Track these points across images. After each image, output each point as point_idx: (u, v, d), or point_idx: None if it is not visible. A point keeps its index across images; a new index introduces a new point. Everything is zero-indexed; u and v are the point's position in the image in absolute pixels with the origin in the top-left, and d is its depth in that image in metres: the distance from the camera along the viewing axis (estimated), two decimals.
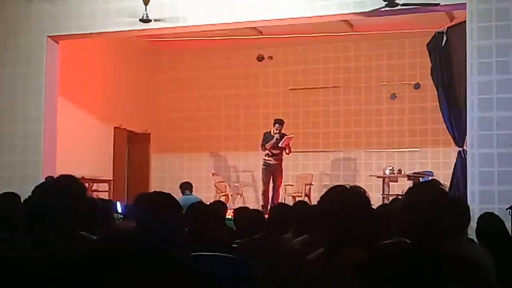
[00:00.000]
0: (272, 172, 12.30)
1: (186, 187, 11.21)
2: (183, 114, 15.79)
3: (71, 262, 2.62)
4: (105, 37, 12.44)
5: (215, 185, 14.18)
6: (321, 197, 2.65)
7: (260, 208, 11.32)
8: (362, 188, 2.65)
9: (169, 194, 2.73)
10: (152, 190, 3.59)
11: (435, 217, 2.44)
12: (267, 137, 12.30)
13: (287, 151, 12.37)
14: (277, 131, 12.21)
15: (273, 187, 12.33)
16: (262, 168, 12.51)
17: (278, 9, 10.66)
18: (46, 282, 2.61)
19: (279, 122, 12.34)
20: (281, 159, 12.41)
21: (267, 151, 12.32)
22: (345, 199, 2.57)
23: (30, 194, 3.22)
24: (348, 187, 2.66)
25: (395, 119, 14.50)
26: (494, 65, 9.22)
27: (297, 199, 12.06)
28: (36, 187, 3.19)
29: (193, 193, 11.26)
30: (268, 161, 12.32)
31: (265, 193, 12.34)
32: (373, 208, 2.85)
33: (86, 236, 3.19)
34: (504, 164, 9.06)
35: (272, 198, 12.12)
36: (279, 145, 12.11)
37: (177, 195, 9.99)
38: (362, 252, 2.47)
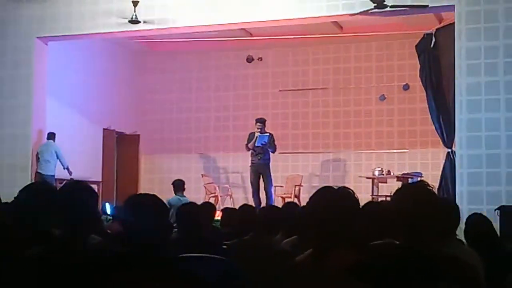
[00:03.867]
0: (259, 172, 12.24)
1: (178, 186, 11.15)
2: (172, 115, 15.76)
3: (70, 266, 2.63)
4: (94, 38, 12.41)
5: (205, 187, 14.16)
6: (310, 198, 2.65)
7: None
8: (350, 189, 2.65)
9: (155, 195, 2.73)
10: (141, 192, 3.59)
11: (423, 218, 2.45)
12: (251, 137, 12.32)
13: (271, 150, 12.30)
14: (259, 129, 12.23)
15: (264, 189, 12.23)
16: (249, 169, 12.46)
17: (267, 11, 10.67)
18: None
19: (260, 120, 12.39)
20: (268, 158, 12.33)
21: (251, 151, 12.32)
22: (333, 200, 2.57)
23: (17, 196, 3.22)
24: (337, 188, 2.66)
25: (384, 120, 14.53)
26: (483, 66, 9.27)
27: (287, 200, 12.03)
28: (23, 190, 3.19)
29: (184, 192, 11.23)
30: (252, 161, 12.33)
31: (254, 195, 12.24)
32: (362, 209, 2.85)
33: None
34: (493, 165, 9.11)
35: (266, 200, 11.97)
36: (256, 144, 12.10)
37: (166, 196, 9.95)
38: (351, 253, 2.47)
